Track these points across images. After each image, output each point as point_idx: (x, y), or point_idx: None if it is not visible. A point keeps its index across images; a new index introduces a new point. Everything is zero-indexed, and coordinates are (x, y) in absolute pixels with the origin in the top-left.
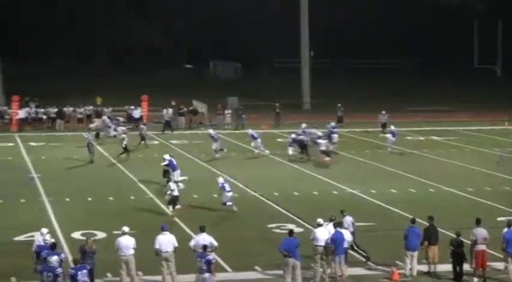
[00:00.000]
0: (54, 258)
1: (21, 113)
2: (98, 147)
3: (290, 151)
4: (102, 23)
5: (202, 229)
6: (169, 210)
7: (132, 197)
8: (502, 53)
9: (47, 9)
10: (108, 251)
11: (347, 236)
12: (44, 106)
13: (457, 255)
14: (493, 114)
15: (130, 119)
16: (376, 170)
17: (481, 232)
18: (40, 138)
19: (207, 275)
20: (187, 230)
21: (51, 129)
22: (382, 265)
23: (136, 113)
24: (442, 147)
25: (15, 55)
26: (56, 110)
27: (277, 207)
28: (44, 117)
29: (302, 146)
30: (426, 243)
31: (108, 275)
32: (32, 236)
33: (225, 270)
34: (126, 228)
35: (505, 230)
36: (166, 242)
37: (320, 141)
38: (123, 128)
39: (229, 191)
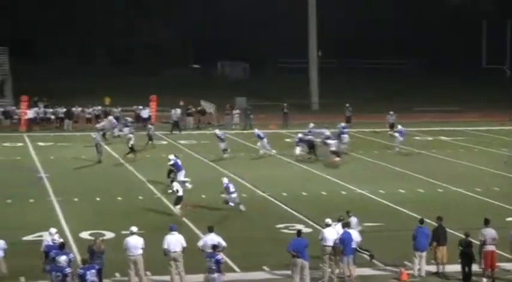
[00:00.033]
0: (62, 258)
1: (30, 113)
2: (106, 147)
3: (297, 151)
4: (111, 23)
5: (210, 229)
6: (177, 210)
7: (141, 197)
8: (510, 53)
9: (56, 10)
10: (117, 251)
11: (355, 236)
12: (52, 106)
13: (466, 255)
14: (502, 114)
15: (138, 119)
16: (385, 170)
17: (490, 232)
18: (48, 138)
19: (216, 274)
20: (196, 230)
21: (59, 129)
22: (390, 265)
23: (145, 113)
24: (450, 147)
25: (25, 55)
26: (64, 110)
27: (285, 207)
28: (53, 117)
29: (311, 146)
30: (435, 243)
31: (117, 275)
32: (41, 236)
33: (234, 271)
34: (134, 228)
35: None
36: (174, 242)
37: (329, 141)
38: (129, 128)
39: (233, 192)
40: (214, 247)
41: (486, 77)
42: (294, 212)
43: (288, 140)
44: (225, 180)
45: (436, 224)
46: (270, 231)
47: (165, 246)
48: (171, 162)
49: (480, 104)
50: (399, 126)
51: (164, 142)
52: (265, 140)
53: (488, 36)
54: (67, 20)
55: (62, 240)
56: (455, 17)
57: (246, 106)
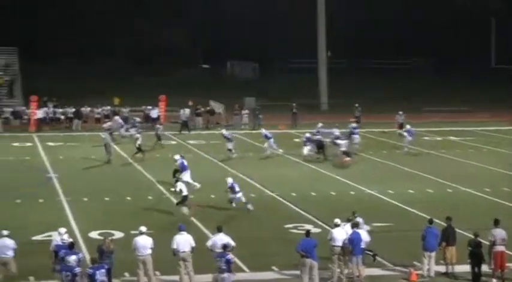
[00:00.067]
0: (72, 258)
1: (39, 113)
2: (115, 147)
3: (305, 151)
4: (120, 23)
5: (219, 229)
6: (185, 210)
7: (150, 197)
8: None
9: (65, 9)
10: (126, 251)
11: (364, 236)
12: (62, 106)
13: (475, 256)
14: (511, 114)
15: (147, 119)
16: (394, 170)
17: (500, 233)
18: (58, 138)
19: (226, 274)
20: (204, 230)
21: (68, 129)
22: (399, 266)
23: (154, 113)
24: (459, 147)
25: (35, 55)
26: (73, 110)
27: (294, 207)
28: (62, 117)
29: (320, 146)
30: (444, 243)
31: (126, 274)
32: (50, 236)
33: (242, 270)
34: (143, 228)
35: None
36: (183, 242)
37: (340, 141)
38: (137, 128)
39: (238, 192)
40: (225, 247)
41: (495, 76)
42: (302, 212)
43: (296, 140)
44: (229, 180)
45: (445, 224)
46: (278, 231)
47: (174, 246)
48: (177, 162)
49: (489, 104)
50: (408, 126)
51: (173, 142)
52: (272, 140)
53: (497, 35)
54: (78, 20)
55: (71, 239)
56: (463, 16)
57: (255, 106)
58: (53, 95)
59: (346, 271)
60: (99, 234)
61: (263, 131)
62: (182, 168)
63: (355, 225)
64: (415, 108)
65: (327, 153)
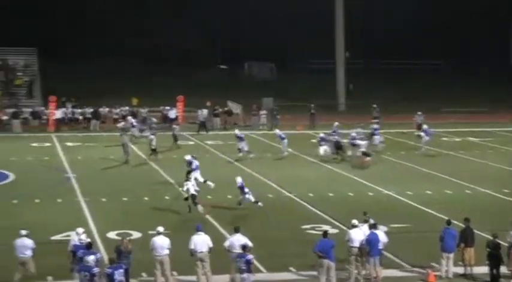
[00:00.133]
0: (90, 258)
1: (58, 113)
2: (133, 146)
3: (321, 151)
4: (138, 23)
5: (236, 230)
6: (199, 209)
7: (167, 197)
8: None
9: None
10: (143, 251)
11: (382, 237)
12: (80, 106)
13: (494, 257)
14: None
15: (165, 119)
16: (412, 171)
17: None
18: (76, 139)
19: (246, 275)
20: (222, 230)
21: (86, 130)
22: (417, 267)
23: (172, 114)
24: (478, 148)
25: (54, 55)
26: (92, 110)
27: (311, 208)
28: (81, 117)
29: (338, 146)
30: (462, 245)
31: (143, 274)
32: (68, 236)
33: (260, 271)
34: (161, 228)
35: None
36: (201, 242)
37: (359, 142)
38: (152, 129)
39: (247, 192)
40: (244, 247)
41: None
42: (320, 213)
43: (314, 140)
44: (239, 179)
45: (463, 225)
46: (296, 231)
47: (192, 247)
48: (191, 163)
49: (509, 104)
50: (425, 126)
51: (191, 142)
52: (285, 141)
53: None
54: (96, 20)
55: (89, 239)
56: (483, 16)
57: (273, 107)
58: (72, 95)
59: (363, 272)
60: (117, 235)
61: (277, 131)
62: (193, 169)
63: (373, 226)
64: (434, 109)
65: (346, 154)
